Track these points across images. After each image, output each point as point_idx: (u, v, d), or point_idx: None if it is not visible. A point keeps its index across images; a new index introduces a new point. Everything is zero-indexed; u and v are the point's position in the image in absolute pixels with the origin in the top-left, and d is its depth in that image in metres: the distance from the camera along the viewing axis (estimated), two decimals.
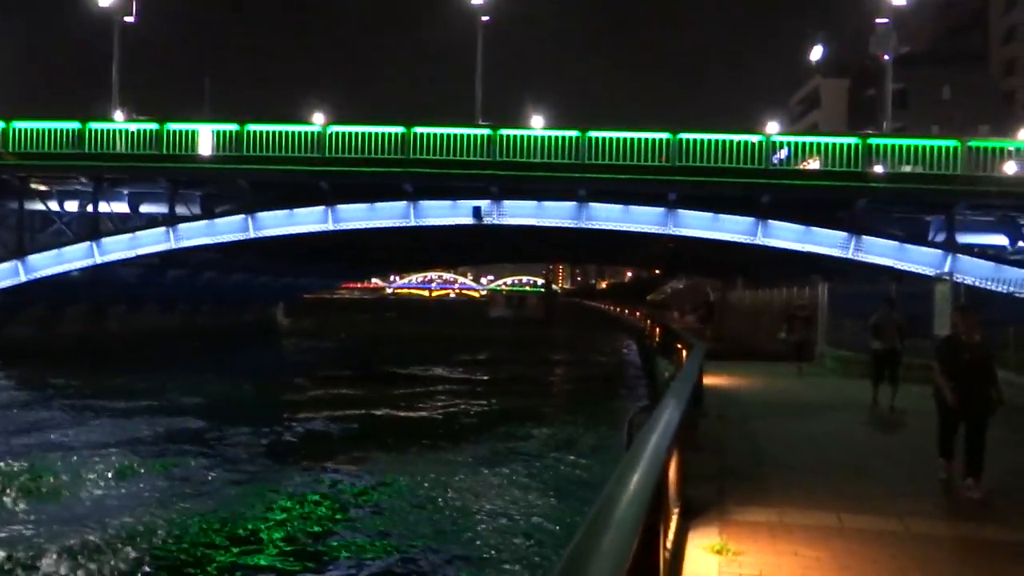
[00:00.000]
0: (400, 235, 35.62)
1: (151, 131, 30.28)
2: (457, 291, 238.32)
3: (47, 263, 31.51)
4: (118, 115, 33.10)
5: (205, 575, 9.84)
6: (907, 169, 28.05)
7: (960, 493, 7.28)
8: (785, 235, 28.43)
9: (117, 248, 31.35)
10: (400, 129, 28.98)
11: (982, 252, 28.69)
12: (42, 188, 33.48)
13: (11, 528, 11.03)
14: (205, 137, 30.13)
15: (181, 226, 30.93)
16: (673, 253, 45.31)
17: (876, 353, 13.15)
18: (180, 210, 31.79)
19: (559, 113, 31.30)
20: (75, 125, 30.64)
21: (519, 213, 30.02)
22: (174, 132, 30.11)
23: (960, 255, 27.23)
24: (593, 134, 28.38)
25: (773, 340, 26.87)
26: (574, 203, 29.48)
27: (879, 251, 27.83)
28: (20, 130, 30.54)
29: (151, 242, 31.06)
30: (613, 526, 2.73)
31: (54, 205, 33.80)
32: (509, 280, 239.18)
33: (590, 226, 29.79)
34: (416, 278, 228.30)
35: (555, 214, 29.91)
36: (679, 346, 18.05)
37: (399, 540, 11.18)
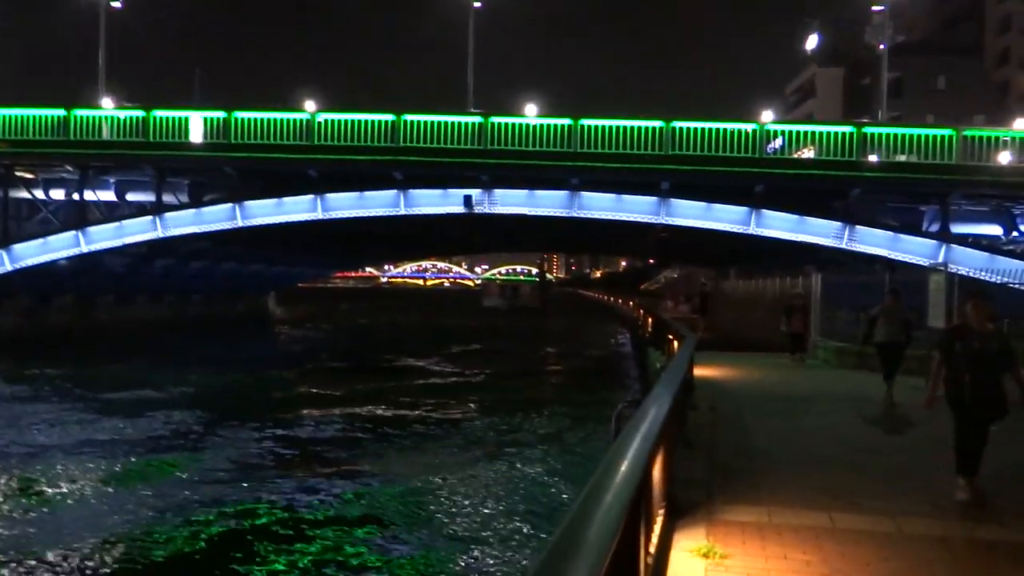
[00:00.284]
0: (391, 224, 35.35)
1: (137, 119, 29.87)
2: (452, 280, 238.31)
3: (33, 252, 31.15)
4: (107, 102, 32.67)
5: None
6: (902, 159, 27.84)
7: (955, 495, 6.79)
8: (779, 224, 28.22)
9: (104, 237, 30.98)
10: (390, 117, 28.62)
11: (975, 242, 28.55)
12: (27, 176, 33.07)
13: None
14: (194, 125, 29.74)
15: (168, 215, 30.57)
16: (666, 243, 45.13)
17: (881, 346, 12.38)
18: (168, 199, 31.45)
19: (551, 102, 30.93)
20: (60, 112, 30.21)
21: (510, 202, 29.72)
22: (160, 119, 29.68)
23: (954, 245, 27.08)
24: (586, 122, 28.07)
25: (766, 330, 26.69)
26: (566, 192, 29.21)
27: (873, 241, 27.65)
28: (4, 117, 30.09)
29: (138, 231, 30.71)
30: (589, 532, 2.59)
31: (40, 193, 33.39)
32: (503, 269, 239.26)
33: (582, 215, 29.53)
34: (411, 267, 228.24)
35: (547, 203, 29.63)
36: (670, 337, 17.82)
37: (384, 538, 10.95)
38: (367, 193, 29.93)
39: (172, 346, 35.55)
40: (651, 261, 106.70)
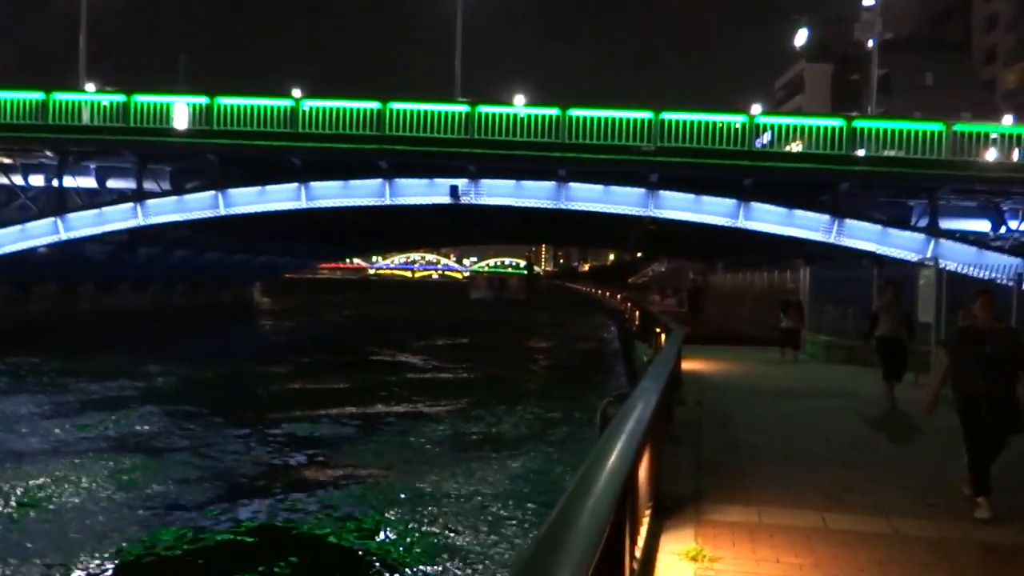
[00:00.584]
0: (378, 215, 34.95)
1: (118, 104, 29.27)
2: (440, 272, 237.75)
3: (11, 239, 30.53)
4: (90, 87, 32.05)
5: None
6: (891, 154, 27.71)
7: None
8: (768, 218, 28.03)
9: (83, 224, 30.41)
10: (376, 104, 28.17)
11: (964, 238, 28.47)
12: (5, 161, 32.39)
13: None
14: (179, 111, 29.19)
15: (149, 202, 30.03)
16: (655, 236, 44.95)
17: (881, 343, 11.66)
18: (149, 186, 30.92)
19: (539, 95, 30.53)
20: (39, 96, 29.56)
21: (497, 192, 29.38)
22: (142, 105, 29.11)
23: (943, 240, 26.99)
24: (574, 112, 27.74)
25: (754, 324, 26.57)
26: (554, 183, 28.90)
27: (862, 235, 27.51)
28: None
29: (118, 218, 30.15)
30: (571, 537, 2.47)
31: (18, 179, 32.72)
32: (492, 262, 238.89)
33: (570, 207, 29.23)
34: (399, 259, 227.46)
35: (534, 194, 29.31)
36: (658, 330, 17.61)
37: (362, 537, 10.68)
38: (352, 182, 29.49)
39: (152, 337, 35.03)
40: (639, 255, 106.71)
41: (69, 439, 15.84)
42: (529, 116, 27.99)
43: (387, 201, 29.53)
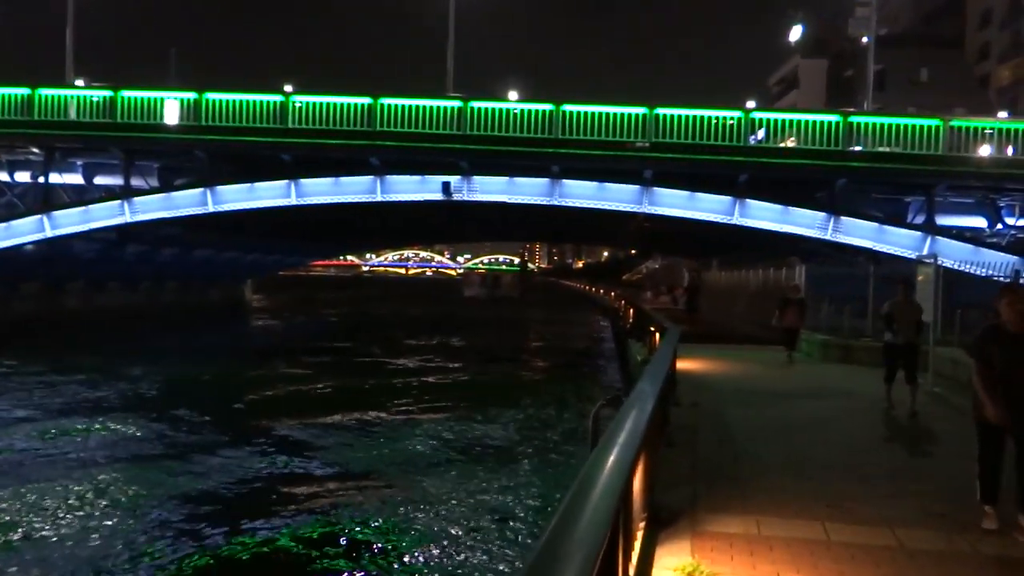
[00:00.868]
0: (370, 212, 34.59)
1: (105, 99, 28.85)
2: (434, 270, 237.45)
3: None
4: (79, 83, 31.61)
5: None
6: (887, 150, 27.47)
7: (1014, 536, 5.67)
8: (763, 215, 27.78)
9: (70, 222, 30.00)
10: (367, 100, 27.82)
11: (960, 234, 28.29)
12: None
13: None
14: (169, 107, 28.76)
15: (137, 199, 29.63)
16: (649, 233, 44.73)
17: (889, 347, 11.15)
18: (137, 183, 30.51)
19: (532, 92, 30.22)
20: (24, 91, 29.13)
21: (490, 189, 29.06)
22: (129, 100, 28.69)
23: (939, 237, 26.79)
24: (568, 107, 27.42)
25: (749, 322, 26.30)
26: (547, 179, 28.59)
27: (858, 232, 27.29)
28: None
29: (105, 216, 29.74)
30: (564, 555, 2.43)
31: (4, 176, 32.26)
32: (485, 259, 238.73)
33: (563, 203, 28.94)
34: (392, 256, 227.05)
35: (527, 191, 28.99)
36: (652, 329, 17.32)
37: (352, 545, 10.39)
38: (343, 179, 29.12)
39: (140, 336, 34.61)
40: (633, 252, 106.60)
41: (50, 447, 15.32)
42: (522, 112, 27.67)
43: (378, 198, 29.18)
